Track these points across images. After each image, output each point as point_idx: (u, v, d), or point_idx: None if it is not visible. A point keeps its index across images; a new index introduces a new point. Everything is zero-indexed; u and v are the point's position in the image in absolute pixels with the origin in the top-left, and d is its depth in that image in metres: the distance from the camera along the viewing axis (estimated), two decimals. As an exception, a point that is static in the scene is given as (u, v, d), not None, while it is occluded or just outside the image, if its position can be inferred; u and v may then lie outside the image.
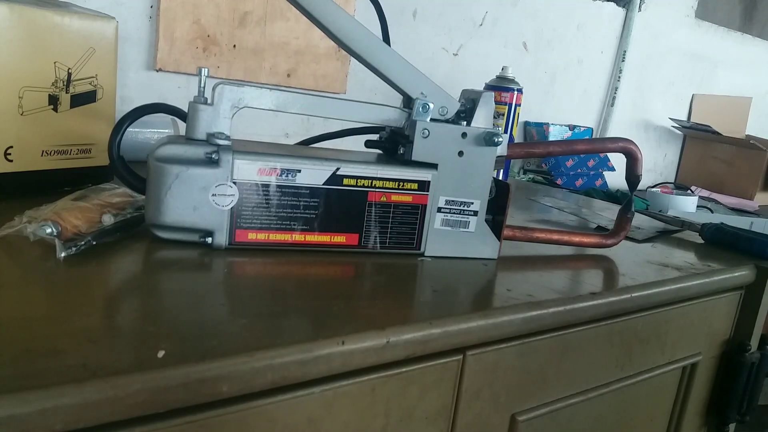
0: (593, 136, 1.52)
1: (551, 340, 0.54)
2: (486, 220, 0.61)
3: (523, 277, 0.57)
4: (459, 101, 0.60)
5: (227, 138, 0.53)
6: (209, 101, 0.53)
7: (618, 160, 1.58)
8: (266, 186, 0.53)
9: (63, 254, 0.46)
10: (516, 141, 1.43)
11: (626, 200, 0.70)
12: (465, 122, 0.59)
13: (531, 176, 1.36)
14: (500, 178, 1.07)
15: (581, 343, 0.57)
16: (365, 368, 0.42)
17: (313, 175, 0.54)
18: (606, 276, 0.63)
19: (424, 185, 0.58)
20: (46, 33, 0.59)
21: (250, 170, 0.52)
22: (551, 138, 1.40)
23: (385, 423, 0.45)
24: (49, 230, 0.48)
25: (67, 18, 0.60)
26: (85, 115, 0.64)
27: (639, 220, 0.89)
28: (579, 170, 1.42)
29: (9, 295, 0.40)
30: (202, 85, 0.53)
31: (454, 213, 0.59)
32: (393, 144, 0.60)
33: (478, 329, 0.47)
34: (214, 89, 0.53)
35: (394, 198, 0.57)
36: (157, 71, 0.89)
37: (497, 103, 1.09)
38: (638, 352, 0.63)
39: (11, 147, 0.59)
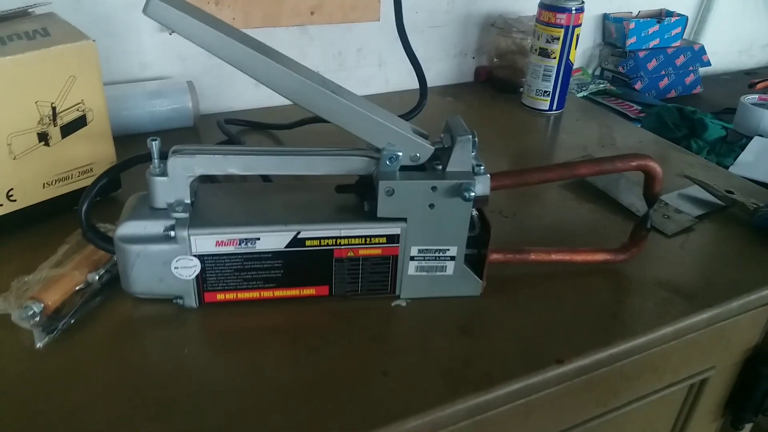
0: (686, 27, 1.31)
1: (510, 409, 0.53)
2: (469, 256, 0.58)
3: (491, 333, 0.56)
4: (435, 142, 0.55)
5: (185, 207, 0.53)
6: (165, 172, 0.52)
7: (716, 49, 1.37)
8: (227, 255, 0.54)
9: (40, 345, 0.51)
10: (591, 45, 1.27)
11: (643, 215, 0.63)
12: (440, 166, 0.54)
13: (604, 85, 1.22)
14: (558, 96, 0.98)
15: (547, 403, 0.56)
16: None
17: (273, 240, 0.54)
18: (594, 320, 0.59)
19: (393, 238, 0.55)
20: (20, 77, 0.59)
21: (207, 243, 0.53)
22: (632, 36, 1.22)
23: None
24: (31, 312, 0.52)
25: (38, 55, 0.60)
26: (80, 140, 0.66)
27: (683, 196, 0.80)
28: (663, 72, 1.25)
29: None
30: (155, 156, 0.52)
31: (429, 260, 0.57)
32: (365, 188, 0.57)
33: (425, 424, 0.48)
34: (167, 160, 0.52)
35: (363, 252, 0.56)
36: (171, 34, 0.86)
37: (550, 25, 0.96)
38: (627, 387, 0.61)
39: (12, 189, 0.62)
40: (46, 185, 0.65)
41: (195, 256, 0.53)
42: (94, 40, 0.63)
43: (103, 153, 0.68)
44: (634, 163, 0.59)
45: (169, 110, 0.85)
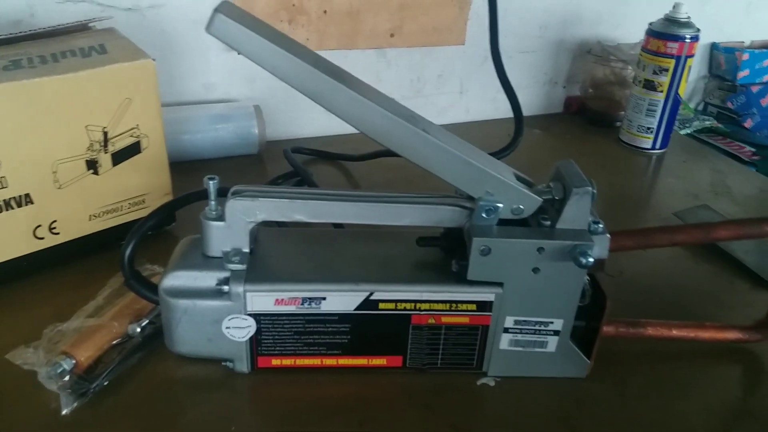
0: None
1: None
2: (576, 328, 0.48)
3: (599, 427, 0.45)
4: (544, 192, 0.45)
5: (243, 258, 0.45)
6: (222, 216, 0.44)
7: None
8: (286, 315, 0.45)
9: (67, 411, 0.44)
10: (695, 77, 1.15)
11: (789, 287, 0.51)
12: (548, 221, 0.45)
13: (710, 122, 1.09)
14: (663, 134, 0.86)
15: None
16: None
17: (341, 301, 0.45)
18: (727, 417, 0.48)
19: (485, 306, 0.46)
20: (70, 99, 0.53)
21: (265, 301, 0.45)
22: (744, 69, 1.09)
23: None
24: (60, 370, 0.45)
25: (91, 74, 0.53)
26: (133, 168, 0.59)
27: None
28: (779, 108, 1.11)
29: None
30: (212, 198, 0.44)
31: (527, 333, 0.47)
32: (453, 242, 0.48)
33: None
34: (225, 204, 0.44)
35: (446, 320, 0.46)
36: (239, 54, 0.80)
37: (659, 54, 0.85)
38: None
39: (55, 221, 0.56)
40: (92, 217, 0.58)
41: (250, 315, 0.45)
42: (154, 60, 0.57)
43: (158, 183, 0.62)
44: (790, 226, 0.48)
45: (233, 136, 0.79)
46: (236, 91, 0.83)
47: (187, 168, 0.77)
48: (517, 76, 0.98)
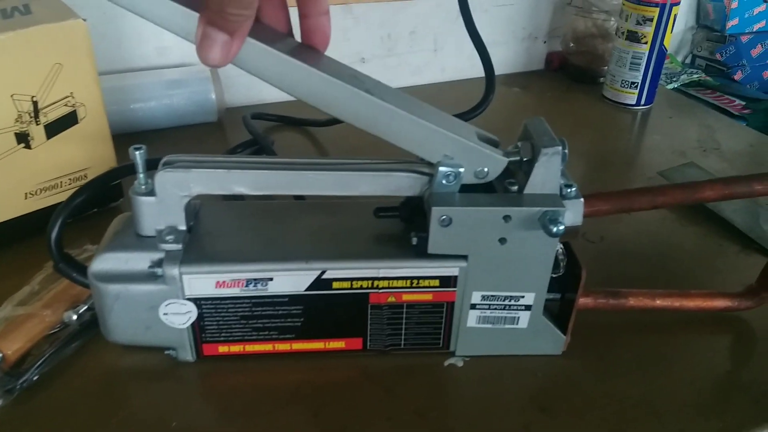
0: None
1: None
2: (548, 302, 0.44)
3: (578, 408, 0.42)
4: (509, 152, 0.41)
5: (179, 236, 0.40)
6: (153, 190, 0.40)
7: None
8: (230, 299, 0.41)
9: (-11, 410, 0.40)
10: (682, 28, 1.09)
11: (782, 250, 0.48)
12: (516, 186, 0.40)
13: (698, 75, 1.04)
14: (648, 88, 0.81)
15: None
16: None
17: (290, 281, 0.41)
18: (715, 392, 0.44)
19: (448, 281, 0.42)
20: (-10, 65, 0.48)
21: (205, 284, 0.40)
22: (733, 18, 1.03)
23: None
24: (-18, 365, 0.41)
25: (13, 37, 0.48)
26: (70, 140, 0.54)
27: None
28: (769, 59, 1.06)
29: None
30: (141, 170, 0.40)
31: (496, 309, 0.43)
32: (414, 212, 0.43)
33: None
34: (154, 177, 0.40)
35: (407, 298, 0.42)
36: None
37: (642, 3, 0.80)
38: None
39: (-16, 201, 0.51)
40: (28, 195, 0.54)
41: (189, 299, 0.41)
42: (84, 19, 0.51)
43: (101, 156, 0.57)
44: (780, 184, 0.43)
45: (189, 102, 0.73)
46: (192, 54, 0.77)
47: (140, 139, 0.70)
48: (494, 31, 0.93)
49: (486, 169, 0.40)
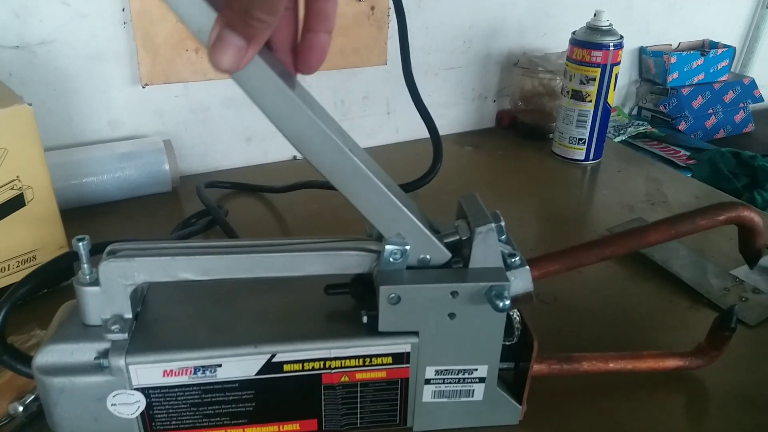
0: (733, 60, 1.17)
1: None
2: (503, 371, 0.45)
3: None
4: (449, 234, 0.41)
5: (124, 325, 0.40)
6: (98, 280, 0.39)
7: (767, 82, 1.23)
8: (179, 387, 0.40)
9: None
10: (626, 82, 1.14)
11: (726, 310, 0.49)
12: (461, 264, 0.41)
13: (645, 127, 1.08)
14: (596, 144, 0.84)
15: None
16: None
17: (239, 367, 0.40)
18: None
19: (401, 358, 0.42)
20: (-69, 154, 0.47)
21: (152, 374, 0.40)
22: (673, 72, 1.08)
23: None
24: None
25: (-44, 125, 0.48)
26: (18, 223, 0.53)
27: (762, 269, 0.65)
28: (710, 110, 1.11)
29: None
30: (84, 260, 0.39)
31: (450, 383, 0.43)
32: (364, 288, 0.44)
33: None
34: (98, 266, 0.39)
35: (361, 376, 0.42)
36: (144, 87, 0.75)
37: (584, 64, 0.83)
38: None
39: (-75, 290, 0.50)
40: (-26, 281, 0.52)
41: (137, 389, 0.40)
42: (30, 104, 0.51)
43: (50, 237, 0.56)
44: (722, 217, 0.45)
45: (142, 174, 0.73)
46: (146, 126, 0.78)
47: (93, 212, 0.71)
48: (445, 93, 0.95)
49: (429, 257, 0.41)
